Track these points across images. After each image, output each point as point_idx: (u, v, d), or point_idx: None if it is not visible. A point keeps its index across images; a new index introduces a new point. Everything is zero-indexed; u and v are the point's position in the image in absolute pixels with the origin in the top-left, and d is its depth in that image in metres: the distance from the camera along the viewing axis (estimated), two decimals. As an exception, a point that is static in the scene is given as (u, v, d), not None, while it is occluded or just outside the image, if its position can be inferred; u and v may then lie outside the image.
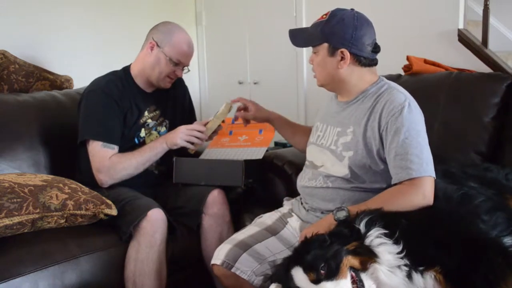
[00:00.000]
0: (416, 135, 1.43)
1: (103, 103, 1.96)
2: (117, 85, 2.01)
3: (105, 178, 1.92)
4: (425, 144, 1.44)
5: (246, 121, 2.02)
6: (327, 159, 1.59)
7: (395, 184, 1.43)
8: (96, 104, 1.97)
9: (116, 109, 1.97)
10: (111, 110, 1.96)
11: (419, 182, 1.38)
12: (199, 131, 1.96)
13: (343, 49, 1.51)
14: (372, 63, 1.57)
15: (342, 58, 1.53)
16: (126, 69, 2.10)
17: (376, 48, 1.56)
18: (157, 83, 2.05)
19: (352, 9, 1.56)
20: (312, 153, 1.68)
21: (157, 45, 2.00)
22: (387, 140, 1.46)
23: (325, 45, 1.54)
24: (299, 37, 1.65)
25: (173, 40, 2.00)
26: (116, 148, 1.95)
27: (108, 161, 1.91)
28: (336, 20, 1.52)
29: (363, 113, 1.53)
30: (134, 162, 1.93)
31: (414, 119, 1.45)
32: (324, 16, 1.56)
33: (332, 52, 1.53)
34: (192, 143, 1.97)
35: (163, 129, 2.12)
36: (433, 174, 1.41)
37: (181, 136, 1.94)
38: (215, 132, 2.08)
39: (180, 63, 2.03)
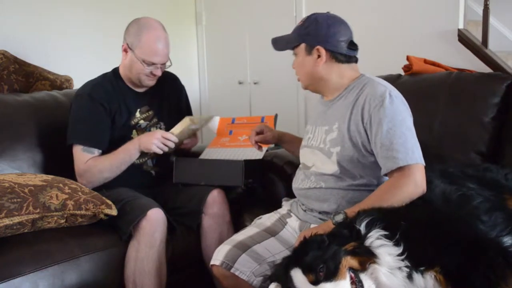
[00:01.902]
0: (400, 124, 1.44)
1: (87, 107, 1.95)
2: (105, 87, 2.00)
3: (83, 182, 1.91)
4: (409, 133, 1.45)
5: (265, 142, 1.98)
6: (317, 159, 1.61)
7: (386, 176, 1.45)
8: (81, 108, 1.97)
9: (102, 112, 1.96)
10: (96, 114, 1.95)
11: (408, 171, 1.39)
12: (173, 142, 1.93)
13: (318, 47, 1.57)
14: (350, 60, 1.61)
15: (319, 56, 1.57)
16: (116, 70, 2.09)
17: (352, 46, 1.60)
18: (139, 82, 2.04)
19: (327, 12, 1.62)
20: (304, 156, 1.70)
21: (129, 47, 1.97)
22: (372, 133, 1.47)
23: (302, 45, 1.61)
24: (279, 42, 1.71)
25: (142, 42, 1.94)
26: (97, 152, 1.94)
27: (84, 165, 1.91)
28: (310, 22, 1.60)
29: (346, 108, 1.55)
30: (108, 165, 1.92)
31: (397, 109, 1.46)
32: (301, 22, 1.63)
33: (309, 51, 1.59)
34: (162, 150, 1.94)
35: None
36: (422, 162, 1.42)
37: (155, 142, 1.90)
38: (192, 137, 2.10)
39: (154, 63, 1.97)
